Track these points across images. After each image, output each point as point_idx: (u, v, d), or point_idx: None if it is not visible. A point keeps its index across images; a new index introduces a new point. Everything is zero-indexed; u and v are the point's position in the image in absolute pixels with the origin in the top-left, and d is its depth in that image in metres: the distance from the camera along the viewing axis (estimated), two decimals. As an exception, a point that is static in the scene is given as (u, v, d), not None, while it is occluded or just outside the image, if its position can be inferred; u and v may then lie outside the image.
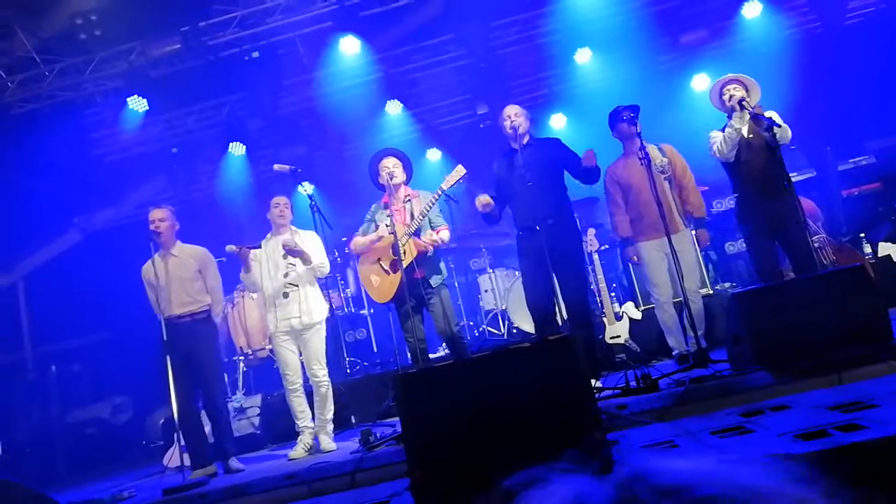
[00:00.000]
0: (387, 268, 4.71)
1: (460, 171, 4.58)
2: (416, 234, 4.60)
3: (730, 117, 4.60)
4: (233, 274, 5.86)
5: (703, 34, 8.05)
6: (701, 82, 8.48)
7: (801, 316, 3.52)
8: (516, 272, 6.76)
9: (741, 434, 2.69)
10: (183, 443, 4.63)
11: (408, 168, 4.93)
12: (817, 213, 5.92)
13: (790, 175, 4.36)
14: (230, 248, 4.79)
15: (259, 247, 4.91)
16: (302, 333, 4.85)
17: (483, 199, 4.60)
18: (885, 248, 6.19)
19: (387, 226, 4.66)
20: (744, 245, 5.21)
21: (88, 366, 9.23)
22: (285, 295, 4.85)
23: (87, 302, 8.59)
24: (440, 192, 4.60)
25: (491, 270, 7.36)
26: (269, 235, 5.05)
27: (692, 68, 8.52)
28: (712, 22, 8.09)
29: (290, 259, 4.87)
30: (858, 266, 3.84)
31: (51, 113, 7.69)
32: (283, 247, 4.78)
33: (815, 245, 5.50)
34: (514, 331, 6.90)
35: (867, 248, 6.36)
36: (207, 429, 4.86)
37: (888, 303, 3.82)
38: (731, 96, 4.56)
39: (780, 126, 4.31)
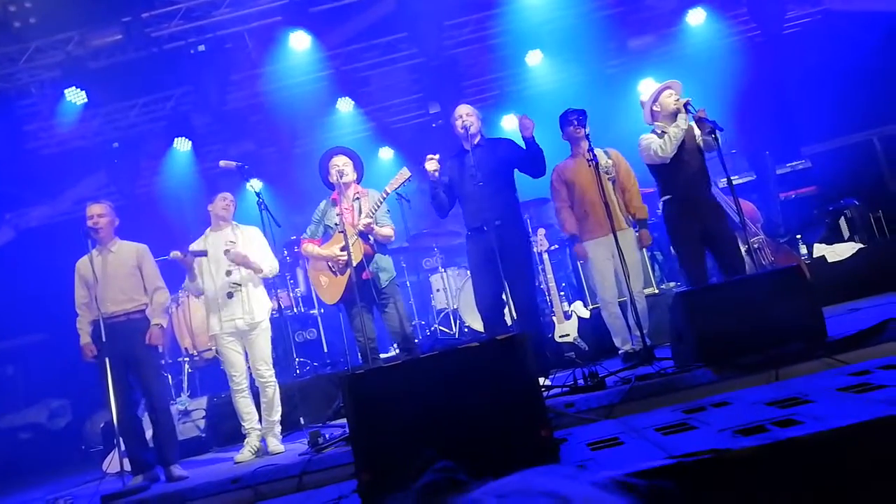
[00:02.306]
0: (335, 269, 4.66)
1: (405, 173, 4.56)
2: (364, 236, 4.56)
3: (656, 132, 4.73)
4: (176, 274, 5.68)
5: (650, 39, 8.24)
6: (647, 87, 8.67)
7: (741, 314, 3.64)
8: (468, 272, 6.77)
9: (684, 431, 2.75)
10: (123, 447, 4.47)
11: (358, 167, 4.88)
12: (757, 216, 6.12)
13: (732, 178, 4.51)
14: (175, 254, 4.65)
15: (205, 254, 4.78)
16: (248, 333, 4.75)
17: (432, 165, 4.56)
18: (819, 250, 6.46)
19: (336, 224, 4.60)
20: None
21: (22, 368, 8.84)
22: (229, 295, 4.74)
23: (21, 302, 8.21)
24: (385, 195, 4.58)
25: (443, 270, 7.36)
26: (208, 231, 4.93)
27: (639, 73, 8.70)
28: (658, 28, 8.30)
29: (232, 256, 4.76)
30: (795, 266, 4.00)
31: (-19, 103, 7.32)
32: (230, 260, 4.67)
33: (755, 246, 5.71)
34: (466, 330, 6.92)
35: (803, 249, 6.62)
36: (149, 433, 4.71)
37: (822, 301, 3.97)
38: (676, 99, 4.67)
39: (722, 130, 4.46)
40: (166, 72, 7.48)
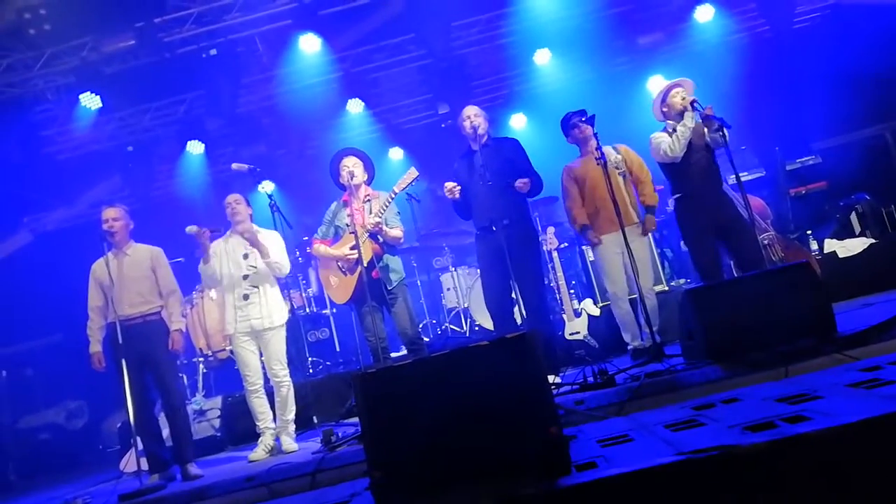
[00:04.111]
0: (344, 269, 4.71)
1: (412, 173, 4.60)
2: (373, 235, 4.60)
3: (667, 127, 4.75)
4: (190, 275, 5.75)
5: (659, 37, 8.23)
6: (657, 84, 8.65)
7: (751, 311, 3.65)
8: (478, 270, 6.81)
9: (694, 427, 2.76)
10: (140, 447, 4.54)
11: (369, 168, 4.92)
12: (766, 212, 6.10)
13: (741, 174, 4.52)
14: (191, 228, 4.65)
15: (223, 233, 4.85)
16: (262, 334, 4.80)
17: (449, 185, 4.65)
18: (830, 245, 6.43)
19: (347, 225, 4.66)
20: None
21: (41, 370, 8.96)
22: (245, 297, 4.79)
23: (39, 304, 8.33)
24: (393, 195, 4.62)
25: (453, 269, 7.39)
26: (229, 232, 4.99)
27: (648, 70, 8.68)
28: (667, 25, 8.27)
29: (251, 261, 4.82)
30: (805, 262, 4.00)
31: (-2, 110, 7.44)
32: (241, 234, 4.71)
33: (765, 242, 5.70)
34: (477, 328, 6.95)
35: (814, 245, 6.59)
36: (165, 432, 4.78)
37: (833, 297, 3.97)
38: (682, 97, 4.69)
39: (730, 127, 4.47)
40: (179, 76, 7.56)
